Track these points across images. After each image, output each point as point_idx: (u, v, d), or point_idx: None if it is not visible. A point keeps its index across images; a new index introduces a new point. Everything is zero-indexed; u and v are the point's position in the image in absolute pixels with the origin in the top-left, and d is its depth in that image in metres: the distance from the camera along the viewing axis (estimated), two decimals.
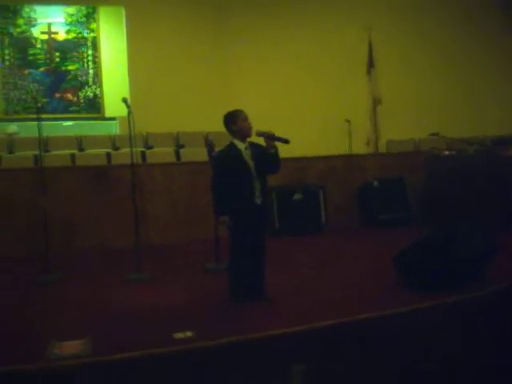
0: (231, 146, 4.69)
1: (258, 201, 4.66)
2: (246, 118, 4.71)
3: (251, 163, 4.66)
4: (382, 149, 10.76)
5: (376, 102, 11.02)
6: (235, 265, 4.75)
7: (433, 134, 8.50)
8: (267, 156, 4.61)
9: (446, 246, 4.89)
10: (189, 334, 3.91)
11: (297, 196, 7.48)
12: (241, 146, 4.67)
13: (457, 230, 5.23)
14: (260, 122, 10.52)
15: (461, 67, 11.82)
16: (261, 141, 4.67)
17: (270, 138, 4.57)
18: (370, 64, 11.16)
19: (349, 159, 9.00)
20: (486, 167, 7.57)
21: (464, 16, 11.84)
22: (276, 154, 4.63)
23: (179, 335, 3.90)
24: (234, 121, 4.67)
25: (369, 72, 11.17)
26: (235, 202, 4.58)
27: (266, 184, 4.75)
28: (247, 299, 4.67)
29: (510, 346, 4.65)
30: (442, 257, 4.79)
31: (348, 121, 10.17)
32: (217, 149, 6.35)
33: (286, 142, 4.56)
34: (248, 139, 4.73)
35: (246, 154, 4.66)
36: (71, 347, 3.72)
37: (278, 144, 4.62)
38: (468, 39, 11.83)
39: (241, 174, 4.62)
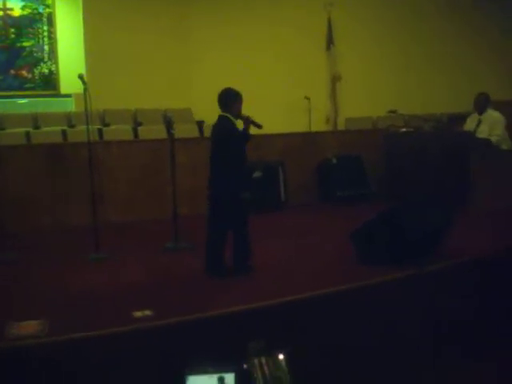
0: (228, 120, 4.89)
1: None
2: (241, 102, 4.96)
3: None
4: (341, 126, 10.83)
5: (335, 79, 11.06)
6: (220, 236, 4.97)
7: (391, 112, 8.59)
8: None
9: (402, 221, 4.97)
10: (148, 312, 3.91)
11: (256, 173, 7.48)
12: (237, 123, 4.93)
13: (413, 206, 5.32)
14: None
15: (419, 45, 11.86)
16: None
17: (249, 121, 4.92)
18: (330, 41, 11.17)
19: (308, 137, 9.04)
20: (440, 143, 7.69)
21: None
22: (249, 138, 5.00)
23: (138, 314, 3.90)
24: (236, 100, 4.92)
25: (328, 49, 11.19)
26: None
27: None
28: (229, 271, 4.92)
29: (464, 320, 4.79)
30: (398, 232, 4.87)
31: (308, 98, 10.21)
32: (177, 125, 6.32)
33: (260, 127, 4.94)
34: None
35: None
36: (28, 327, 3.69)
37: None
38: (428, 15, 11.86)
39: (243, 149, 4.92)
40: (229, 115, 4.88)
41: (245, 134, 4.95)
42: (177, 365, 2.10)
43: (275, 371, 2.21)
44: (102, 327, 3.62)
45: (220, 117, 4.94)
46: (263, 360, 2.23)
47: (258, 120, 5.01)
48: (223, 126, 4.89)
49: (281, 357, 2.26)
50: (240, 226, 4.92)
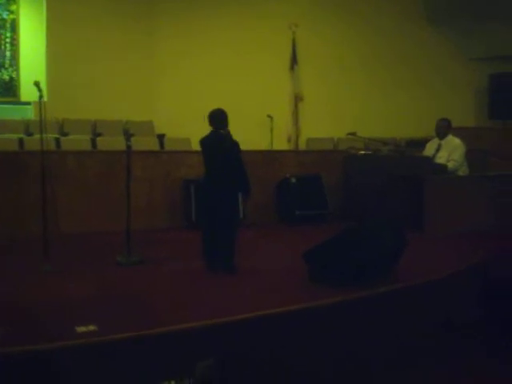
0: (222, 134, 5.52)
1: None
2: None
3: None
4: (302, 146, 10.88)
5: (298, 98, 11.12)
6: (234, 236, 5.51)
7: (350, 134, 8.69)
8: None
9: (355, 241, 4.98)
10: (92, 327, 3.81)
11: None
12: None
13: (368, 228, 5.34)
14: (180, 114, 10.48)
15: (384, 68, 12.01)
16: None
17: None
18: (294, 60, 11.25)
19: (269, 155, 9.03)
20: (398, 167, 7.78)
21: (395, 16, 12.07)
22: None
23: (82, 329, 3.80)
24: (226, 118, 5.58)
25: (292, 68, 11.26)
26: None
27: None
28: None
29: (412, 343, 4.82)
30: (352, 252, 4.88)
31: (270, 116, 10.23)
32: (135, 138, 6.26)
33: None
34: None
35: None
36: None
37: None
38: (394, 39, 12.03)
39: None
40: (222, 132, 5.50)
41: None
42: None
43: None
44: (42, 341, 3.52)
45: (215, 132, 5.55)
46: (172, 383, 2.17)
47: None
48: (229, 139, 5.50)
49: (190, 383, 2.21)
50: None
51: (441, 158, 7.81)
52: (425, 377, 4.55)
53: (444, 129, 7.97)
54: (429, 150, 8.05)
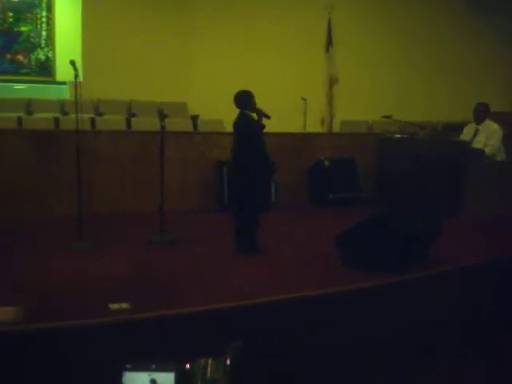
0: (249, 116, 5.60)
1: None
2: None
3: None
4: (336, 129, 10.77)
5: (332, 81, 10.97)
6: (252, 219, 5.55)
7: (386, 117, 8.56)
8: None
9: (388, 226, 4.92)
10: (125, 305, 3.85)
11: None
12: (252, 116, 5.63)
13: (401, 212, 5.27)
14: (214, 95, 10.43)
15: (421, 51, 11.87)
16: None
17: (261, 113, 5.58)
18: (329, 42, 11.09)
19: (302, 138, 8.97)
20: (435, 152, 7.65)
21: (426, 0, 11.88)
22: (263, 128, 5.67)
23: (115, 306, 3.84)
24: (249, 97, 5.63)
25: (327, 50, 11.12)
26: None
27: None
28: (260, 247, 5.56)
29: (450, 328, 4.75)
30: (384, 238, 4.82)
31: (304, 99, 10.14)
32: (169, 119, 6.27)
33: (268, 117, 5.61)
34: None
35: None
36: (3, 314, 3.62)
37: None
38: (431, 21, 11.85)
39: (263, 140, 5.65)
40: (247, 112, 5.59)
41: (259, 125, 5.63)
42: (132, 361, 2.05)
43: (216, 374, 2.14)
44: (78, 318, 3.56)
45: (241, 113, 5.61)
46: (209, 361, 2.15)
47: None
48: (245, 122, 5.58)
49: (228, 361, 2.19)
50: None
51: (478, 143, 7.65)
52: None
53: (482, 113, 7.80)
54: (466, 134, 7.90)
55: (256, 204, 5.52)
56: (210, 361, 2.19)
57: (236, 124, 5.64)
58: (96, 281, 4.57)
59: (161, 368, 2.03)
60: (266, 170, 5.63)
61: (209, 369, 2.16)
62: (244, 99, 5.62)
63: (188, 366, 2.15)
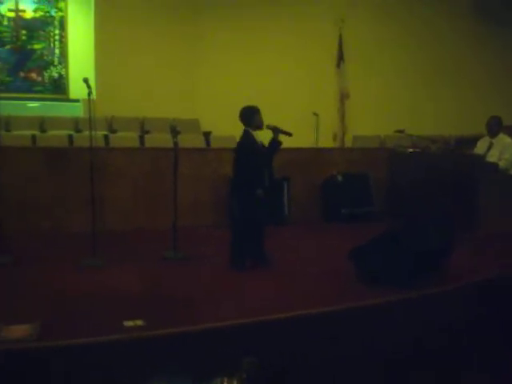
0: (249, 134, 5.52)
1: (267, 183, 5.54)
2: (260, 113, 5.56)
3: (263, 151, 5.56)
4: (348, 144, 10.77)
5: (344, 96, 11.01)
6: (240, 236, 5.56)
7: (398, 131, 8.54)
8: (272, 147, 5.60)
9: (401, 241, 4.89)
10: (139, 322, 3.85)
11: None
12: (257, 136, 5.54)
13: (415, 227, 5.24)
14: (226, 111, 10.47)
15: (432, 65, 11.87)
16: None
17: (278, 131, 5.56)
18: (340, 57, 11.13)
19: (315, 152, 8.97)
20: (448, 166, 7.62)
21: (442, 12, 11.89)
22: (280, 145, 5.62)
23: (129, 323, 3.83)
24: (253, 114, 5.53)
25: (338, 66, 11.15)
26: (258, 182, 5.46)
27: (272, 169, 5.66)
28: (249, 264, 5.52)
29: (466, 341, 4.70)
30: (397, 252, 4.79)
31: (316, 114, 10.15)
32: (181, 136, 6.30)
33: (290, 134, 5.59)
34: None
35: (260, 144, 5.56)
36: (18, 331, 3.63)
37: None
38: (444, 36, 11.88)
39: (258, 160, 5.47)
40: (251, 130, 5.50)
41: (272, 143, 5.59)
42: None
43: None
44: (92, 335, 3.56)
45: (243, 131, 5.57)
46: (224, 380, 2.15)
47: (264, 134, 5.61)
48: (241, 141, 5.56)
49: (244, 377, 2.18)
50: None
51: (492, 157, 7.60)
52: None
53: (495, 127, 7.75)
54: (480, 148, 7.85)
55: (245, 221, 5.48)
56: (225, 379, 2.19)
57: (237, 142, 5.65)
58: (110, 297, 4.56)
59: None
60: (257, 188, 5.43)
61: None
62: (247, 116, 5.55)
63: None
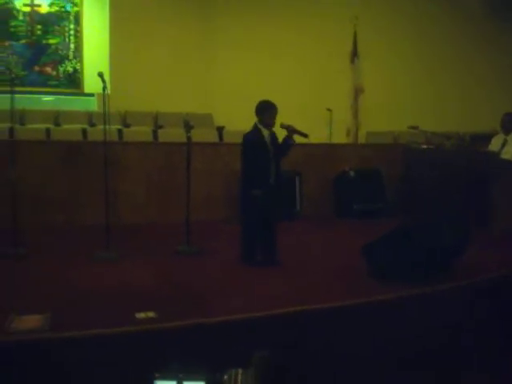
0: (257, 130, 5.47)
1: (272, 181, 5.44)
2: (275, 112, 5.45)
3: (271, 148, 5.45)
4: (362, 140, 10.74)
5: (358, 92, 10.95)
6: (248, 231, 5.55)
7: (412, 127, 8.50)
8: (284, 145, 5.51)
9: (413, 237, 4.88)
10: (151, 314, 3.88)
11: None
12: (265, 132, 5.45)
13: (428, 223, 5.23)
14: (239, 106, 10.48)
15: (445, 62, 11.81)
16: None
17: (292, 131, 5.45)
18: (354, 54, 11.08)
19: (327, 148, 8.97)
20: (462, 162, 7.59)
21: (452, 11, 11.84)
22: (293, 144, 5.55)
23: (141, 315, 3.86)
24: (266, 111, 5.45)
25: (352, 62, 11.10)
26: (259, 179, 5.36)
27: (279, 167, 5.55)
28: (260, 259, 5.52)
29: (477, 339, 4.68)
30: (409, 248, 4.78)
31: (329, 110, 10.13)
32: (195, 130, 6.31)
33: (306, 135, 5.46)
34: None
35: (268, 140, 5.45)
36: (30, 322, 3.68)
37: None
38: (456, 34, 11.80)
39: (262, 156, 5.39)
40: (261, 126, 5.46)
41: (285, 142, 5.49)
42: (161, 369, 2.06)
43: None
44: (103, 326, 3.59)
45: (253, 124, 5.52)
46: (239, 372, 2.16)
47: (278, 129, 5.52)
48: (246, 134, 5.53)
49: (256, 371, 2.19)
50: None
51: (506, 154, 7.55)
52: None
53: (510, 123, 7.70)
54: (494, 145, 7.80)
55: (251, 216, 5.49)
56: (240, 371, 2.20)
57: (244, 134, 5.64)
58: (122, 290, 4.59)
59: (191, 377, 2.04)
60: (255, 188, 5.35)
61: (239, 378, 2.17)
62: (260, 110, 5.49)
63: (218, 375, 2.16)
